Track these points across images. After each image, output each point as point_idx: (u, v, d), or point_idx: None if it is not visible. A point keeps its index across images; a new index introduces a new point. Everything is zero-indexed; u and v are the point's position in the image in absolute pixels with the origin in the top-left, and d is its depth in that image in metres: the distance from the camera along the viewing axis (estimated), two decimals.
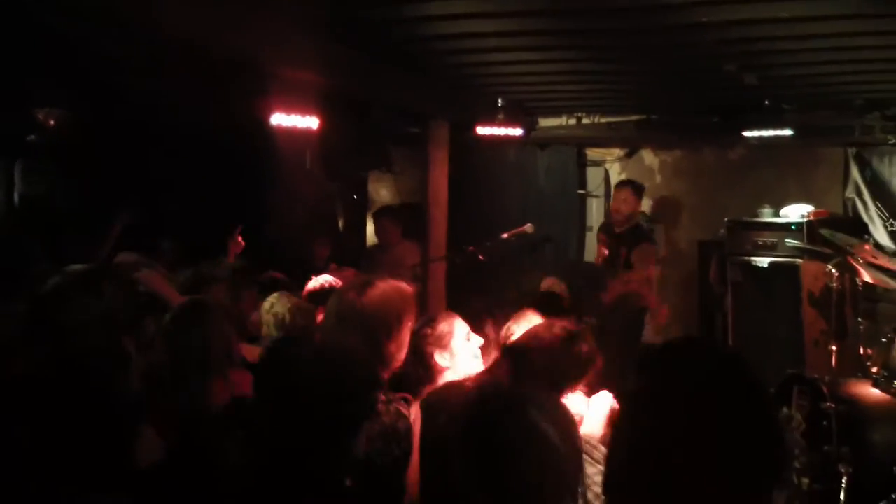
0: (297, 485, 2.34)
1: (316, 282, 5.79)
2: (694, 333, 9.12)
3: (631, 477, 1.76)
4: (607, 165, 10.67)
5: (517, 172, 10.36)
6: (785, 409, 5.85)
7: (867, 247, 6.67)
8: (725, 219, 9.20)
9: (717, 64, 6.08)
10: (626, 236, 7.99)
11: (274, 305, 5.16)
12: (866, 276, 6.39)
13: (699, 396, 1.74)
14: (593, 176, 10.73)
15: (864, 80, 6.90)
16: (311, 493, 2.36)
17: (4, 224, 7.44)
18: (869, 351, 6.36)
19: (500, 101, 7.80)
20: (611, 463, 1.84)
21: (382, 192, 10.96)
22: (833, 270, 6.62)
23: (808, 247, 7.93)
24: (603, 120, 9.12)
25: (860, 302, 7.13)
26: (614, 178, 10.61)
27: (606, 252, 8.16)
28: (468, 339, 3.92)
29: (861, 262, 6.37)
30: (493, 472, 2.16)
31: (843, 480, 5.32)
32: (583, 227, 10.65)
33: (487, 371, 3.57)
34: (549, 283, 7.02)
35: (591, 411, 3.26)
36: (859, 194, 9.25)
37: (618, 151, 10.58)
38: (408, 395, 3.49)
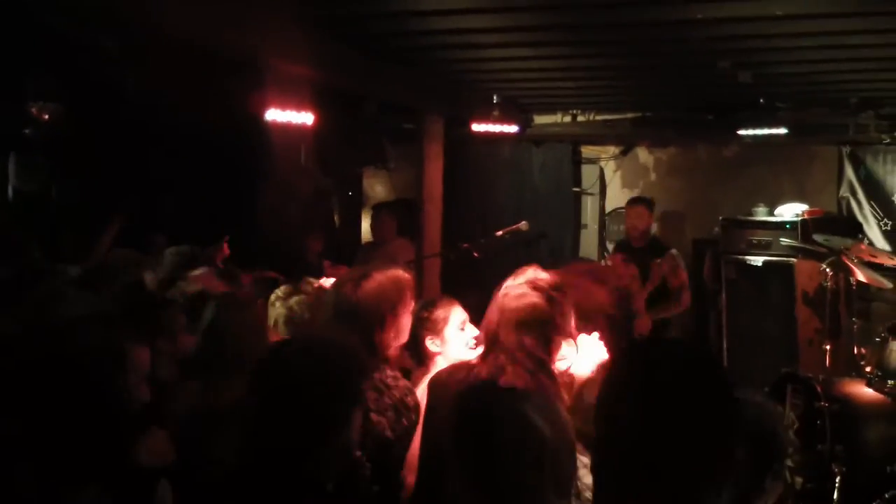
0: (288, 478, 2.33)
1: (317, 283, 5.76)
2: (688, 331, 9.12)
3: (610, 462, 1.81)
4: (602, 163, 10.65)
5: (512, 169, 10.35)
6: (779, 408, 5.85)
7: (863, 246, 6.68)
8: (720, 217, 9.20)
9: (711, 61, 6.08)
10: (646, 250, 7.95)
11: (280, 300, 5.16)
12: (860, 276, 6.39)
13: (664, 390, 1.78)
14: (588, 173, 10.71)
15: (859, 79, 6.91)
16: (303, 485, 2.35)
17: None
18: (863, 350, 6.36)
19: (495, 97, 7.79)
20: (596, 447, 1.87)
21: (377, 188, 10.96)
22: (827, 269, 6.62)
23: (803, 245, 7.93)
24: (598, 117, 9.11)
25: (854, 301, 7.12)
26: (609, 175, 10.60)
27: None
28: (462, 329, 3.96)
29: (855, 261, 6.38)
30: (483, 460, 2.16)
31: (837, 479, 5.33)
32: (577, 225, 10.63)
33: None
34: None
35: (579, 353, 3.26)
36: (853, 193, 9.25)
37: (613, 149, 10.57)
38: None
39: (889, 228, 8.96)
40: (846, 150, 9.29)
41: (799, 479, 5.51)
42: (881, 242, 8.83)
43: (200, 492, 2.86)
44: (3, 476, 2.37)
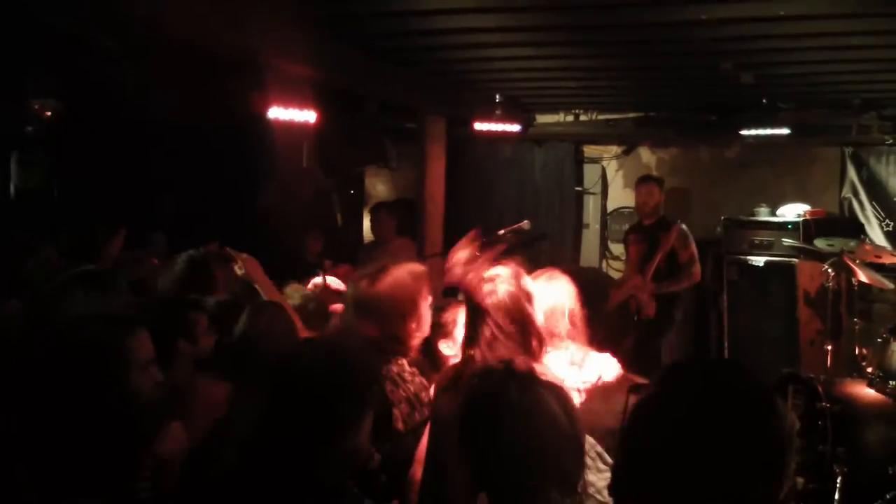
0: (292, 476, 2.33)
1: (311, 283, 5.76)
2: (689, 332, 9.12)
3: (634, 482, 1.79)
4: (604, 163, 10.64)
5: (514, 169, 10.34)
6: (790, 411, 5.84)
7: (867, 247, 6.68)
8: (722, 217, 9.20)
9: (714, 62, 6.07)
10: (656, 226, 8.02)
11: (291, 297, 5.18)
12: (862, 276, 6.38)
13: (700, 409, 1.77)
14: (590, 173, 10.70)
15: (862, 80, 6.90)
16: (307, 485, 2.36)
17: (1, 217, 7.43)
18: (864, 351, 6.36)
19: (497, 97, 7.78)
20: (618, 467, 1.87)
21: (379, 187, 10.95)
22: (829, 270, 6.62)
23: (805, 246, 7.93)
24: (600, 117, 9.11)
25: (856, 302, 7.12)
26: (611, 175, 10.59)
27: (636, 256, 8.16)
28: None
29: (857, 261, 6.37)
30: (490, 442, 2.15)
31: (838, 480, 5.32)
32: (579, 225, 10.63)
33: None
34: None
35: (587, 364, 3.33)
36: (855, 194, 9.24)
37: (615, 149, 10.56)
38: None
39: (891, 229, 8.95)
40: (848, 150, 9.28)
41: (800, 480, 5.50)
42: (883, 243, 8.81)
43: (205, 490, 2.85)
44: (3, 475, 2.37)
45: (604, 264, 10.56)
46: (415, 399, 3.45)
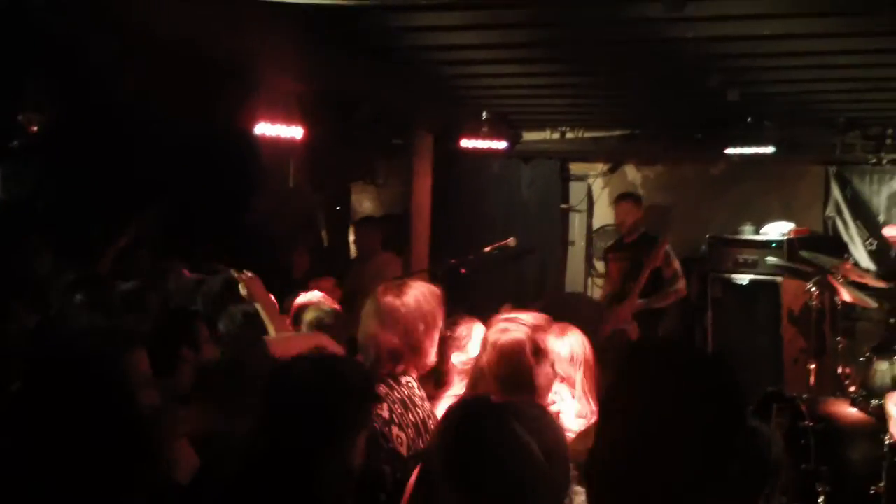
0: (295, 496, 2.34)
1: (303, 297, 5.75)
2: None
3: (607, 470, 1.79)
4: (590, 180, 10.68)
5: (500, 185, 10.36)
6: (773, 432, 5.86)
7: (848, 265, 6.71)
8: (707, 235, 9.23)
9: (700, 79, 6.10)
10: (638, 243, 8.05)
11: (305, 312, 5.20)
12: (846, 296, 6.42)
13: (670, 394, 1.76)
14: (576, 190, 10.73)
15: (847, 99, 6.94)
16: (299, 501, 2.36)
17: None
18: (847, 370, 6.39)
19: (484, 113, 7.79)
20: (591, 455, 1.85)
21: (366, 203, 10.95)
22: (813, 289, 6.65)
23: (789, 265, 7.96)
24: (587, 134, 9.13)
25: (839, 320, 7.16)
26: (597, 192, 10.62)
27: (617, 274, 8.18)
28: None
29: (841, 280, 6.40)
30: (471, 479, 2.15)
31: (821, 499, 5.34)
32: (565, 242, 10.65)
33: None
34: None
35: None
36: (839, 213, 9.29)
37: (601, 166, 10.60)
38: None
39: (874, 248, 8.99)
40: (833, 169, 9.34)
41: (783, 499, 5.51)
42: (866, 262, 8.86)
43: None
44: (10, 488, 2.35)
45: (589, 282, 10.58)
46: (422, 425, 3.46)
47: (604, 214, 10.46)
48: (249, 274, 4.77)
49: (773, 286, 8.49)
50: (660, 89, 6.98)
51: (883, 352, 6.08)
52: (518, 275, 9.53)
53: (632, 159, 10.34)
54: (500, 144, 8.06)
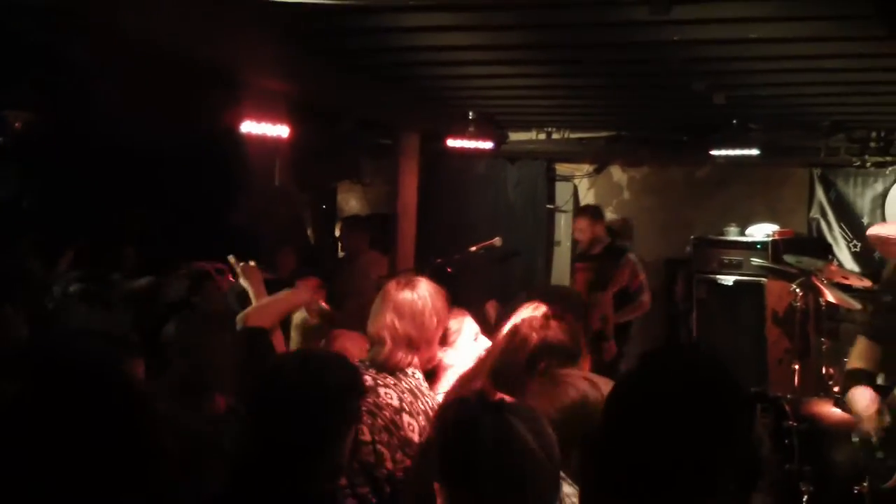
0: (285, 493, 2.35)
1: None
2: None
3: (605, 476, 1.82)
4: (576, 181, 10.71)
5: (486, 186, 10.38)
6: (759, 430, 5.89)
7: (833, 267, 6.74)
8: (692, 236, 9.27)
9: (686, 82, 6.12)
10: (604, 254, 8.03)
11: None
12: (830, 297, 6.45)
13: (675, 402, 1.79)
14: (562, 191, 10.76)
15: (831, 103, 6.98)
16: (300, 499, 2.37)
17: None
18: (831, 370, 6.42)
19: (470, 113, 7.80)
20: (591, 455, 1.88)
21: (352, 202, 10.95)
22: (797, 290, 6.68)
23: (773, 266, 8.00)
24: (573, 135, 9.15)
25: (823, 321, 7.19)
26: (583, 193, 10.65)
27: (583, 284, 8.16)
28: (476, 340, 4.05)
29: (825, 281, 6.43)
30: (468, 472, 2.16)
31: (804, 499, 5.36)
32: (550, 242, 10.67)
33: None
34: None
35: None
36: (824, 215, 9.35)
37: (587, 167, 10.63)
38: None
39: (858, 250, 9.05)
40: (817, 171, 9.39)
41: (768, 499, 5.54)
42: (850, 264, 8.92)
43: None
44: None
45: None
46: (432, 413, 3.46)
47: None
48: (252, 263, 4.73)
49: (758, 287, 8.53)
50: (646, 92, 7.00)
51: None
52: (504, 274, 9.54)
53: (618, 160, 10.38)
54: (487, 145, 8.07)
